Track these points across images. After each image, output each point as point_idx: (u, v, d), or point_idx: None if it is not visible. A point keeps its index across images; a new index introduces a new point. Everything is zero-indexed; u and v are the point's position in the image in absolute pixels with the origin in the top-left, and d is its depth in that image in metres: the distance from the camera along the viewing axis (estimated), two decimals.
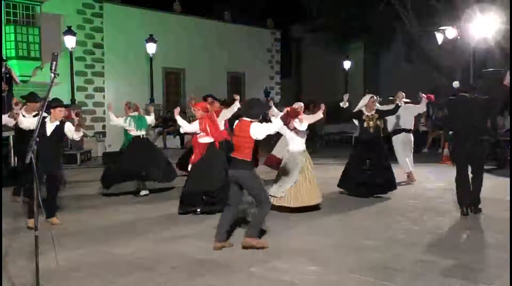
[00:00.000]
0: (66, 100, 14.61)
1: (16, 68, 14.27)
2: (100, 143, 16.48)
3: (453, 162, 7.55)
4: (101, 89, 18.16)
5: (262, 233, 5.84)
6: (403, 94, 9.25)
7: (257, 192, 5.46)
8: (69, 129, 6.70)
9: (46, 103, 4.62)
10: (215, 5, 23.37)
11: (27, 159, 3.85)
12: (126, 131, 9.18)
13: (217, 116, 9.41)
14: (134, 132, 8.84)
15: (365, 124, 8.30)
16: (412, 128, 10.08)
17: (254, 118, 5.46)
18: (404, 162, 9.88)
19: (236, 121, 5.73)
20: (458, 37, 15.10)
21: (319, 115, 8.55)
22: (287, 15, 26.57)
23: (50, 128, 6.59)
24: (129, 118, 8.82)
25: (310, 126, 9.43)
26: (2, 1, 14.48)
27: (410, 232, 6.15)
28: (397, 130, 9.92)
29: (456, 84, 7.53)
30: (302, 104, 8.74)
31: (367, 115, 8.29)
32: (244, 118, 5.50)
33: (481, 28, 13.51)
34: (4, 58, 12.23)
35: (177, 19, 20.53)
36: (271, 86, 24.43)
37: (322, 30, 24.41)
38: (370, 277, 4.55)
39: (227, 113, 9.56)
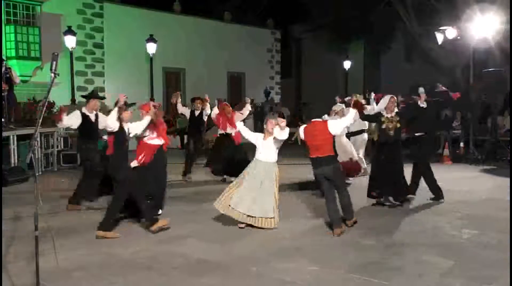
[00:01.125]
0: (67, 100, 14.68)
1: (16, 68, 14.25)
2: None
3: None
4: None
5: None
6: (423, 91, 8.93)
7: (341, 181, 6.39)
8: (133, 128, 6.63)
9: (46, 102, 4.62)
10: (215, 5, 23.38)
11: (27, 159, 3.85)
12: None
13: (232, 118, 9.51)
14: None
15: (384, 126, 7.68)
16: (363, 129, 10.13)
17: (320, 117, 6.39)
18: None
19: (301, 128, 6.40)
20: (458, 37, 15.09)
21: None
22: (287, 15, 26.56)
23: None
24: None
25: None
26: (2, 1, 14.47)
27: (410, 232, 6.15)
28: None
29: (421, 91, 7.60)
30: (343, 105, 8.86)
31: (387, 117, 7.69)
32: (314, 120, 6.32)
33: (481, 28, 13.50)
34: (4, 58, 12.22)
35: (177, 19, 20.51)
36: (271, 86, 24.41)
37: (322, 30, 24.38)
38: (370, 277, 4.55)
39: (240, 116, 9.68)
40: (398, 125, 7.62)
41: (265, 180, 6.40)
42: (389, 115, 7.68)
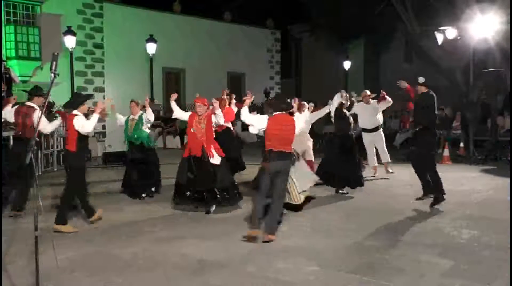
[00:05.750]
0: (66, 100, 14.68)
1: (16, 68, 14.28)
2: (100, 143, 16.47)
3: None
4: (101, 89, 18.17)
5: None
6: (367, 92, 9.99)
7: (285, 185, 5.90)
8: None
9: (46, 102, 4.63)
10: (215, 5, 23.39)
11: (27, 159, 3.85)
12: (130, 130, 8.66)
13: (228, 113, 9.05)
14: (147, 130, 8.67)
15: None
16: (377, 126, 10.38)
17: (288, 110, 5.98)
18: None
19: (267, 117, 5.98)
20: (458, 37, 15.08)
21: (325, 110, 8.79)
22: (287, 15, 26.59)
23: None
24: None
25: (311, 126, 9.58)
26: (2, 1, 14.48)
27: (410, 232, 6.15)
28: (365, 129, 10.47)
29: (421, 80, 7.64)
30: (310, 104, 9.02)
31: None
32: (281, 113, 5.91)
33: (481, 28, 13.49)
34: (4, 58, 12.24)
35: (177, 19, 20.53)
36: (271, 86, 24.44)
37: (322, 30, 24.40)
38: (370, 277, 4.55)
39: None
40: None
41: None
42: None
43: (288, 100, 6.20)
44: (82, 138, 6.37)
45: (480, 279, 4.49)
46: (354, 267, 4.85)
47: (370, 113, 10.15)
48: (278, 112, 5.92)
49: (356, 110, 9.58)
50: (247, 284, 4.47)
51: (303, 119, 8.52)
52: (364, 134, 10.44)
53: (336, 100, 8.62)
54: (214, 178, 7.11)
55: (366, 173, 9.82)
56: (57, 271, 4.74)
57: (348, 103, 8.69)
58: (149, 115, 8.35)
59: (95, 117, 6.40)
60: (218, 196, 7.11)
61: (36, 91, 7.58)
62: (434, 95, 7.57)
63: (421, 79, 7.51)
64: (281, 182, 5.77)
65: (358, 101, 9.93)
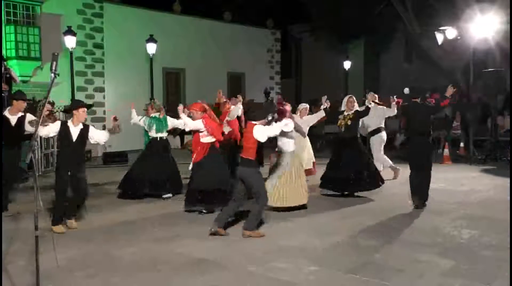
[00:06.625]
0: (67, 100, 14.68)
1: (16, 68, 14.26)
2: None
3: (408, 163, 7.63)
4: (101, 89, 18.16)
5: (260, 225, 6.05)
6: (375, 95, 9.69)
7: (256, 188, 5.93)
8: (93, 134, 6.59)
9: (46, 103, 4.63)
10: (215, 5, 23.38)
11: (27, 159, 3.85)
12: (145, 131, 8.87)
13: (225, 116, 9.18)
14: (153, 134, 8.66)
15: (337, 123, 8.53)
16: (379, 128, 10.36)
17: (257, 120, 5.97)
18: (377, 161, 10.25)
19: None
20: (458, 37, 15.10)
21: (322, 113, 8.70)
22: (287, 15, 26.57)
23: (75, 132, 6.35)
24: (149, 118, 8.64)
25: (310, 126, 9.55)
26: (2, 1, 14.48)
27: (409, 232, 6.15)
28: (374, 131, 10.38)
29: (406, 91, 7.63)
30: (307, 105, 8.95)
31: (343, 115, 8.47)
32: (250, 121, 6.06)
33: (481, 28, 13.50)
34: (4, 58, 12.22)
35: (177, 19, 20.51)
36: (271, 86, 24.42)
37: (322, 30, 24.40)
38: (370, 277, 4.55)
39: (232, 113, 9.47)
40: (349, 122, 8.28)
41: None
42: (345, 113, 8.41)
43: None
44: (60, 139, 6.55)
45: (480, 279, 4.49)
46: (354, 267, 4.85)
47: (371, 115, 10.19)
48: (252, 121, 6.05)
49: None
50: (247, 284, 4.47)
51: (307, 124, 8.79)
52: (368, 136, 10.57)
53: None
54: (204, 180, 7.14)
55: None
56: (57, 271, 4.74)
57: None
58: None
59: (107, 133, 6.81)
60: (215, 197, 7.12)
61: (15, 95, 7.52)
62: (425, 104, 7.61)
63: (406, 90, 7.58)
64: (250, 184, 5.95)
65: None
